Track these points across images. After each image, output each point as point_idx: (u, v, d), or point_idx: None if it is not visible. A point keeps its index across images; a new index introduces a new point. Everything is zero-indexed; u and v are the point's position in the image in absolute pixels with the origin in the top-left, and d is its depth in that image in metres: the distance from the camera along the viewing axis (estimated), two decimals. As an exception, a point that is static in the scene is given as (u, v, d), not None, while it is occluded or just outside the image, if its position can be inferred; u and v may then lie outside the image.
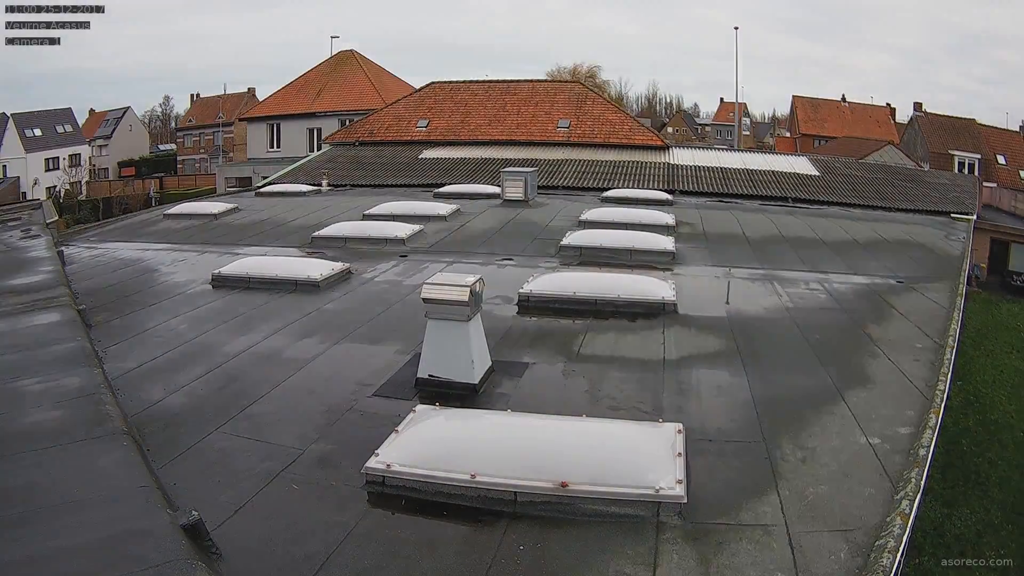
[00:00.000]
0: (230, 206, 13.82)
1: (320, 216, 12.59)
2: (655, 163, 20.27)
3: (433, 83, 26.32)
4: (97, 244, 10.81)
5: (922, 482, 3.59)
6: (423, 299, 4.85)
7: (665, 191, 16.19)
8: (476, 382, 4.84)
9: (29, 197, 37.71)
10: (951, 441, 10.24)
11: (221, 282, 7.85)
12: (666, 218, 11.63)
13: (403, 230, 10.50)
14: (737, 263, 9.19)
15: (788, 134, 56.70)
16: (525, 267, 8.65)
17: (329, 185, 17.98)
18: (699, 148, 25.74)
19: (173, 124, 68.26)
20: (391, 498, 3.54)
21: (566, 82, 25.41)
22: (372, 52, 62.39)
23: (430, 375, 4.87)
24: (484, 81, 26.01)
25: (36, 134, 47.11)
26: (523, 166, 16.50)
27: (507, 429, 4.07)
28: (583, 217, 11.79)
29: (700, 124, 74.16)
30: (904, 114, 48.11)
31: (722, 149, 29.60)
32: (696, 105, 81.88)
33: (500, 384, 5.03)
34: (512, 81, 25.60)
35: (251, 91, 58.09)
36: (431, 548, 3.19)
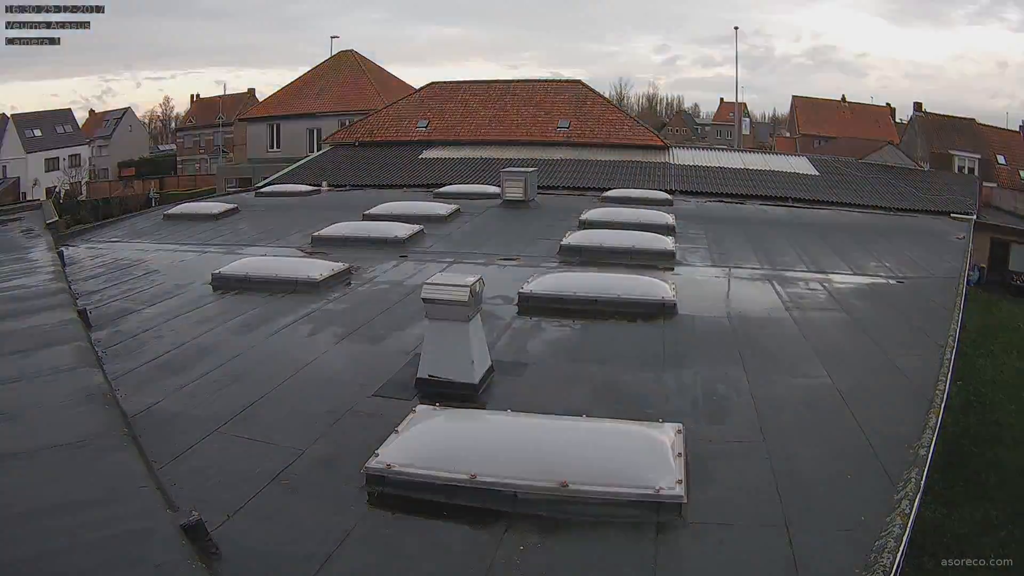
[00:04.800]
0: (230, 206, 13.82)
1: (320, 216, 12.58)
2: (655, 163, 20.26)
3: (433, 83, 26.33)
4: (97, 244, 10.81)
5: (922, 482, 3.58)
6: (423, 299, 4.85)
7: (665, 191, 16.19)
8: (476, 382, 4.84)
9: (29, 197, 37.71)
10: (951, 441, 10.22)
11: (221, 282, 7.84)
12: (666, 218, 11.63)
13: (403, 230, 10.50)
14: (737, 263, 9.20)
15: (788, 134, 56.67)
16: (525, 267, 8.65)
17: (329, 186, 17.99)
18: (699, 148, 25.74)
19: (173, 125, 68.26)
20: (391, 498, 3.54)
21: (566, 82, 25.36)
22: (372, 52, 62.41)
23: (430, 375, 4.87)
24: (484, 81, 26.01)
25: (36, 134, 47.13)
26: (523, 166, 16.50)
27: (507, 429, 4.06)
28: (583, 217, 11.78)
29: (700, 124, 74.20)
30: (904, 114, 48.10)
31: (722, 149, 29.59)
32: (696, 105, 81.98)
33: (500, 384, 5.03)
34: (512, 81, 25.60)
35: (251, 91, 58.09)
36: (431, 548, 3.19)
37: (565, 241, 9.79)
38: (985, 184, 27.42)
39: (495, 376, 5.10)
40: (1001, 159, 36.98)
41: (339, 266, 8.23)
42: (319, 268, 8.06)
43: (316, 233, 10.59)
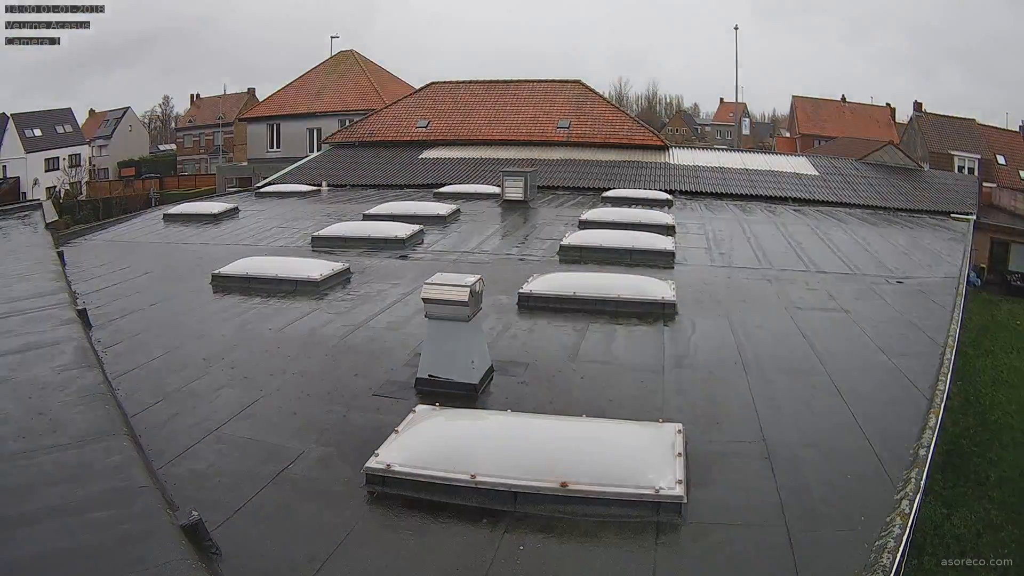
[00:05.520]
0: (230, 206, 13.83)
1: (320, 216, 12.59)
2: (655, 163, 20.27)
3: (433, 83, 26.31)
4: (97, 244, 10.81)
5: (922, 482, 3.58)
6: (423, 299, 4.85)
7: (665, 191, 16.20)
8: (476, 382, 4.84)
9: (29, 197, 37.74)
10: (951, 441, 10.23)
11: (221, 282, 7.85)
12: (666, 218, 11.64)
13: (403, 230, 10.50)
14: (737, 263, 9.20)
15: (788, 134, 56.67)
16: (525, 267, 8.65)
17: (329, 186, 18.00)
18: (699, 148, 25.74)
19: (173, 124, 68.22)
20: (391, 498, 3.54)
21: (566, 82, 25.34)
22: (372, 52, 62.43)
23: (430, 375, 4.87)
24: (484, 81, 25.98)
25: (36, 134, 47.12)
26: (523, 166, 16.50)
27: (507, 429, 4.06)
28: (583, 217, 11.79)
29: (700, 124, 74.18)
30: (904, 114, 48.12)
31: (722, 149, 29.60)
32: (696, 105, 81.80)
33: (500, 384, 5.02)
34: (512, 81, 25.57)
35: (251, 91, 58.08)
36: (431, 548, 3.19)
37: (565, 241, 9.79)
38: (985, 184, 27.39)
39: (495, 376, 5.10)
40: (1001, 159, 37.00)
41: (339, 266, 8.23)
42: (319, 268, 8.07)
43: (316, 233, 10.60)
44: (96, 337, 5.91)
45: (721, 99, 71.94)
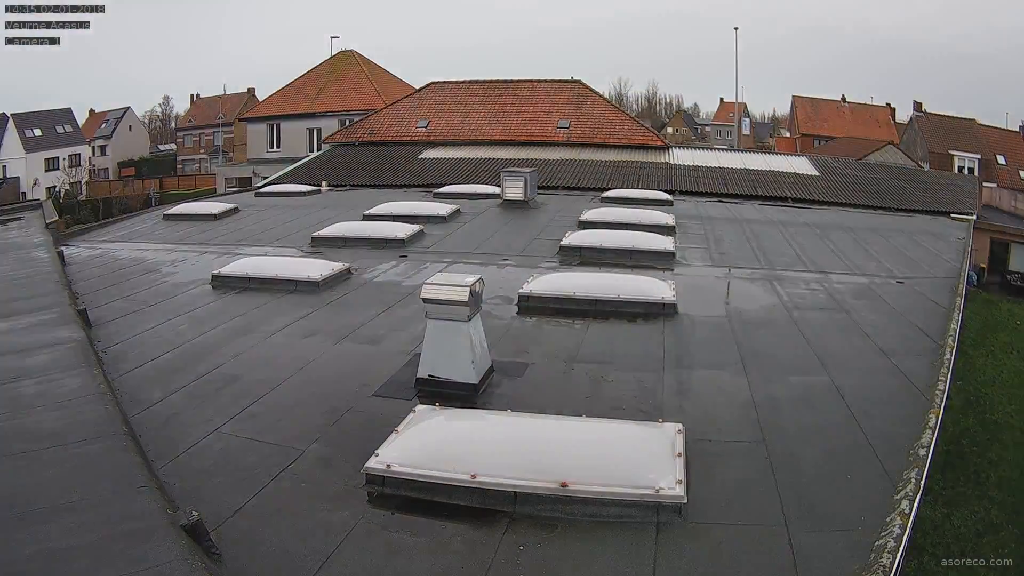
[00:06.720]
0: (230, 206, 13.83)
1: (320, 216, 12.59)
2: (655, 163, 20.26)
3: (433, 83, 26.31)
4: (97, 244, 10.81)
5: (922, 482, 3.58)
6: (423, 299, 4.85)
7: (665, 191, 16.19)
8: (476, 382, 4.84)
9: (29, 197, 37.71)
10: (951, 441, 10.23)
11: (221, 282, 7.85)
12: (666, 218, 11.63)
13: (403, 230, 10.50)
14: (737, 263, 9.20)
15: (788, 134, 56.70)
16: (525, 267, 8.65)
17: (329, 186, 18.00)
18: (699, 148, 25.73)
19: (173, 124, 68.25)
20: (391, 498, 3.54)
21: (566, 82, 25.34)
22: (372, 52, 62.38)
23: (430, 375, 4.87)
24: (484, 81, 25.98)
25: (36, 134, 47.15)
26: (523, 166, 16.50)
27: (507, 429, 4.06)
28: (583, 217, 11.78)
29: (700, 124, 74.23)
30: (904, 114, 48.14)
31: (722, 149, 29.60)
32: (696, 105, 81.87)
33: (500, 384, 5.03)
34: (512, 81, 25.57)
35: (251, 91, 58.08)
36: (431, 548, 3.19)
37: (565, 241, 9.79)
38: (985, 184, 27.41)
39: (495, 376, 5.10)
40: (1001, 159, 37.03)
41: (339, 266, 8.23)
42: (319, 268, 8.07)
43: (316, 233, 10.60)
44: (96, 337, 5.92)
45: (721, 99, 71.99)
